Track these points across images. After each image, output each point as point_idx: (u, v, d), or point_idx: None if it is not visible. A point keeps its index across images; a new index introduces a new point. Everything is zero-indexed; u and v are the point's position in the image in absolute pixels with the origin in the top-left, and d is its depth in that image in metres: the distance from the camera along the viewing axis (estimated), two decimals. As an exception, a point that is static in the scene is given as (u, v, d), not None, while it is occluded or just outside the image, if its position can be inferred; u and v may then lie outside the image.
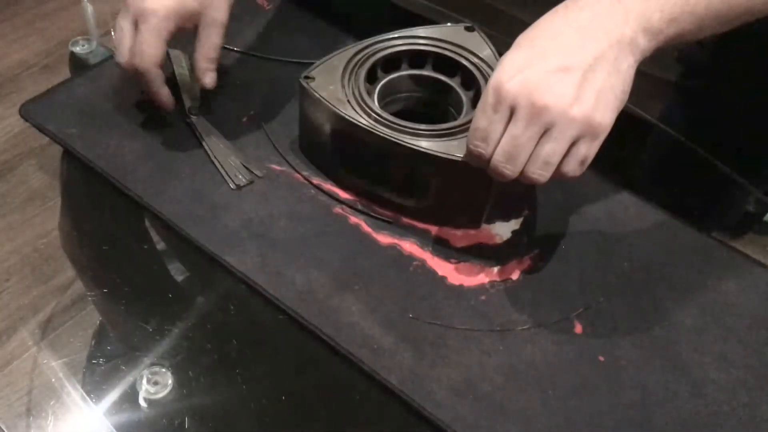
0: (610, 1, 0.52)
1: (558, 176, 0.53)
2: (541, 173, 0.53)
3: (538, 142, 0.52)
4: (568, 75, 0.51)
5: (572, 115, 0.51)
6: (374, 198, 0.65)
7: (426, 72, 0.68)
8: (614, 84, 0.52)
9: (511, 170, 0.53)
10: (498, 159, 0.53)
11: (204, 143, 0.68)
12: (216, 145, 0.68)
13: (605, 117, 0.52)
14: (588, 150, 0.52)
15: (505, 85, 0.51)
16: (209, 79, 0.68)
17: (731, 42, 0.73)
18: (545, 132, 0.51)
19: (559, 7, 0.54)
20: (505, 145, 0.52)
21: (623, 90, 0.52)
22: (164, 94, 0.67)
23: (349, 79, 0.64)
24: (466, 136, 0.59)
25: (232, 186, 0.65)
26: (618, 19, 0.51)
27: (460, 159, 0.58)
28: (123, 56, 0.65)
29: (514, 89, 0.51)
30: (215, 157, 0.67)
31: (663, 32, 0.52)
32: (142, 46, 0.63)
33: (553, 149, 0.52)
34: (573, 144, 0.52)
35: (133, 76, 0.66)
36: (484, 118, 0.53)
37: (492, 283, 0.61)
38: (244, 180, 0.66)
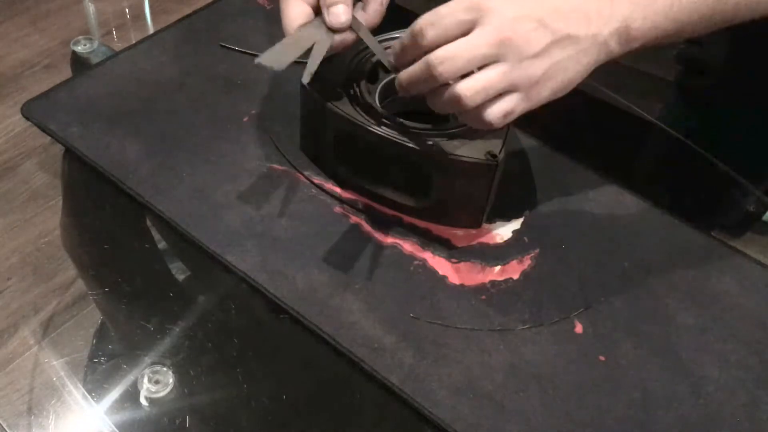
0: None
1: (475, 116, 0.53)
2: (470, 95, 0.51)
3: (481, 67, 0.51)
4: (542, 30, 0.51)
5: (526, 65, 0.51)
6: (375, 198, 0.65)
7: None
8: (569, 69, 0.52)
9: (443, 69, 0.51)
10: (440, 53, 0.51)
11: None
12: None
13: (545, 90, 0.52)
14: (516, 106, 0.52)
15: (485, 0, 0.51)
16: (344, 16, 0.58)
17: (731, 41, 0.74)
18: (493, 62, 0.51)
19: None
20: (457, 44, 0.51)
21: (572, 79, 0.53)
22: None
23: (350, 79, 0.64)
24: (466, 136, 0.59)
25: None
26: (603, 16, 0.52)
27: (460, 159, 0.58)
28: None
29: (494, 6, 0.50)
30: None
31: (639, 39, 0.53)
32: None
33: (495, 79, 0.51)
34: (508, 92, 0.52)
35: None
36: (449, 9, 0.51)
37: (492, 283, 0.61)
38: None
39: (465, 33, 0.51)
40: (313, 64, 0.57)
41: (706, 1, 0.53)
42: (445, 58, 0.51)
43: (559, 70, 0.52)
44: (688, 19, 0.53)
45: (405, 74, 0.54)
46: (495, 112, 0.52)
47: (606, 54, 0.53)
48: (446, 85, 0.52)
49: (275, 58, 0.56)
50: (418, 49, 0.53)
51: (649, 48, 0.54)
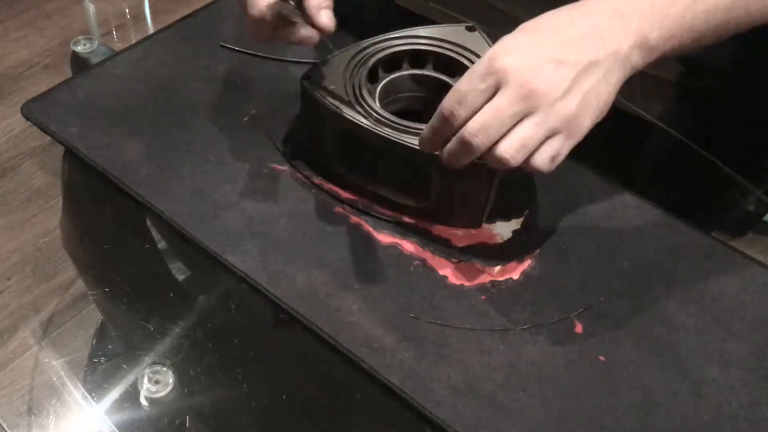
0: (612, 13, 0.52)
1: (525, 166, 0.53)
2: (512, 154, 0.51)
3: (517, 123, 0.51)
4: (563, 68, 0.51)
5: (558, 107, 0.51)
6: (375, 198, 0.65)
7: (427, 72, 0.68)
8: (601, 92, 0.52)
9: (480, 141, 0.51)
10: (472, 126, 0.52)
11: None
12: None
13: (585, 121, 0.52)
14: (561, 147, 0.52)
15: (500, 58, 0.51)
16: (325, 17, 0.60)
17: (731, 42, 0.73)
18: (526, 116, 0.51)
19: (564, 8, 0.54)
20: (485, 113, 0.51)
21: (607, 101, 0.53)
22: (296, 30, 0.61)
23: (350, 78, 0.64)
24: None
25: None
26: (617, 32, 0.52)
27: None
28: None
29: (508, 65, 0.51)
30: None
31: (659, 49, 0.53)
32: None
33: (531, 132, 0.51)
34: (549, 137, 0.52)
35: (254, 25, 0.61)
36: (468, 83, 0.52)
37: (492, 283, 0.61)
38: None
39: (490, 98, 0.51)
40: None
41: (719, 8, 0.53)
42: (479, 131, 0.51)
43: (592, 97, 0.52)
44: (704, 27, 0.53)
45: (445, 154, 0.55)
46: (543, 159, 0.52)
47: (631, 68, 0.53)
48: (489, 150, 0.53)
49: None
50: (451, 130, 0.53)
51: (671, 58, 0.54)
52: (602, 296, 0.61)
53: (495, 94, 0.51)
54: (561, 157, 0.53)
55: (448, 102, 0.52)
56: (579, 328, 0.58)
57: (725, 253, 0.65)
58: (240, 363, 0.58)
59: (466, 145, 0.52)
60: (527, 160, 0.52)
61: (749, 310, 0.61)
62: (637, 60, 0.53)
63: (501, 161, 0.52)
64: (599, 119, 0.53)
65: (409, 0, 0.88)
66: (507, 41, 0.52)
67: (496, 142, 0.52)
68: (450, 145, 0.54)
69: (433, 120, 0.54)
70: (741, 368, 0.57)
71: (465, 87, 0.52)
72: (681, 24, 0.52)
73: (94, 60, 0.78)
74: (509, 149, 0.51)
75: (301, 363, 0.59)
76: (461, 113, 0.52)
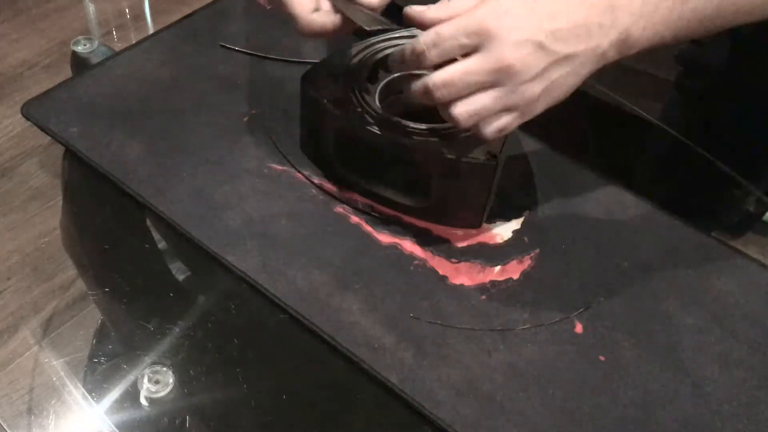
0: (606, 5, 0.52)
1: (472, 128, 0.55)
2: (465, 118, 0.53)
3: (479, 89, 0.53)
4: (541, 53, 0.51)
5: (523, 88, 0.52)
6: (375, 198, 0.65)
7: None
8: (567, 84, 0.53)
9: (441, 95, 0.53)
10: (438, 77, 0.53)
11: None
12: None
13: (542, 105, 0.54)
14: (512, 123, 0.54)
15: (491, 20, 0.51)
16: None
17: (731, 42, 0.73)
18: (490, 86, 0.52)
19: None
20: (454, 71, 0.52)
21: (567, 92, 0.54)
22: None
23: (350, 78, 0.64)
24: (467, 135, 0.59)
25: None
26: (604, 27, 0.52)
27: (460, 159, 0.58)
28: None
29: (496, 32, 0.51)
30: None
31: (637, 46, 0.53)
32: None
33: (490, 104, 0.53)
34: (503, 111, 0.53)
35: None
36: (452, 32, 0.52)
37: (492, 283, 0.61)
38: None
39: (466, 53, 0.52)
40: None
41: (707, 8, 0.53)
42: (443, 86, 0.53)
43: (556, 87, 0.53)
44: (687, 25, 0.53)
45: (408, 90, 0.56)
46: (491, 130, 0.54)
47: (603, 62, 0.53)
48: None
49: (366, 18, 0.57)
50: (419, 65, 0.54)
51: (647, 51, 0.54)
52: (602, 296, 0.61)
53: (471, 53, 0.52)
54: (507, 131, 0.55)
55: (425, 39, 0.53)
56: (579, 328, 0.58)
57: (725, 253, 0.65)
58: (240, 363, 0.58)
59: (427, 92, 0.53)
60: (474, 126, 0.54)
61: (749, 310, 0.61)
62: (614, 55, 0.53)
63: (452, 119, 0.54)
64: (552, 105, 0.55)
65: (408, 0, 0.88)
66: (503, 1, 0.52)
67: (455, 100, 0.53)
68: (414, 86, 0.55)
69: (406, 49, 0.55)
70: (741, 368, 0.57)
71: (446, 33, 0.52)
72: (666, 24, 0.52)
73: (94, 60, 0.78)
74: (464, 113, 0.53)
75: (301, 363, 0.59)
76: (433, 56, 0.53)
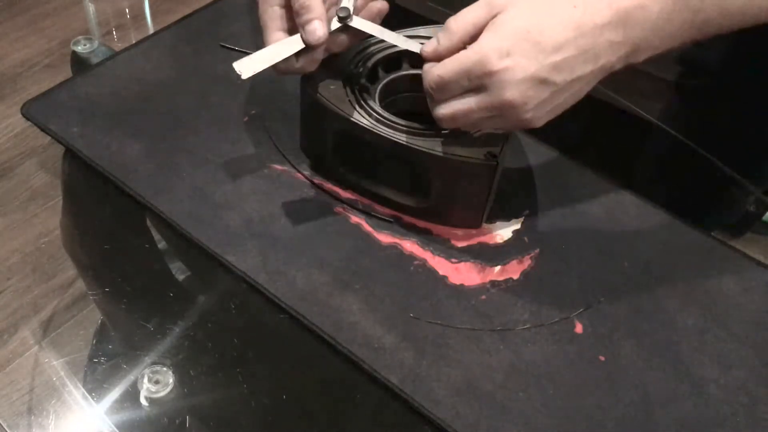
0: (618, 20, 0.51)
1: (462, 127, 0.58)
2: (446, 123, 0.57)
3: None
4: (544, 86, 0.52)
5: (521, 119, 0.54)
6: (375, 198, 0.65)
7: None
8: (566, 103, 0.54)
9: (446, 125, 0.57)
10: (443, 112, 0.55)
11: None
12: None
13: (540, 122, 0.55)
14: (500, 125, 0.57)
15: (490, 63, 0.51)
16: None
17: (731, 42, 0.73)
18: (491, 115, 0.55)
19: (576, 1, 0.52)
20: (458, 109, 0.55)
21: (570, 104, 0.55)
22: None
23: (350, 79, 0.64)
24: (467, 136, 0.59)
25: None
26: (614, 44, 0.51)
27: (460, 159, 0.58)
28: None
29: (499, 76, 0.52)
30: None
31: (641, 57, 0.53)
32: None
33: (486, 126, 0.57)
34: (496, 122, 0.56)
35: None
36: (455, 75, 0.53)
37: (492, 283, 0.61)
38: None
39: (469, 91, 0.54)
40: (260, 63, 0.59)
41: (717, 16, 0.52)
42: (447, 120, 0.56)
43: (558, 106, 0.54)
44: (698, 33, 0.53)
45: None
46: (469, 128, 0.58)
47: (610, 73, 0.54)
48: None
49: (248, 65, 0.58)
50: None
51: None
52: (602, 296, 0.61)
53: (475, 88, 0.53)
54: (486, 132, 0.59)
55: (429, 83, 0.55)
56: (579, 328, 0.58)
57: (725, 253, 0.65)
58: (240, 363, 0.58)
59: (434, 114, 0.57)
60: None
61: (749, 310, 0.61)
62: (619, 67, 0.53)
63: (435, 116, 0.57)
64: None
65: (409, 0, 0.88)
66: (506, 39, 0.52)
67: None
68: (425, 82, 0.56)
69: (424, 48, 0.57)
70: (741, 368, 0.57)
71: (450, 77, 0.54)
72: (672, 38, 0.52)
73: (94, 60, 0.78)
74: (452, 122, 0.56)
75: (301, 363, 0.59)
76: (439, 97, 0.55)
